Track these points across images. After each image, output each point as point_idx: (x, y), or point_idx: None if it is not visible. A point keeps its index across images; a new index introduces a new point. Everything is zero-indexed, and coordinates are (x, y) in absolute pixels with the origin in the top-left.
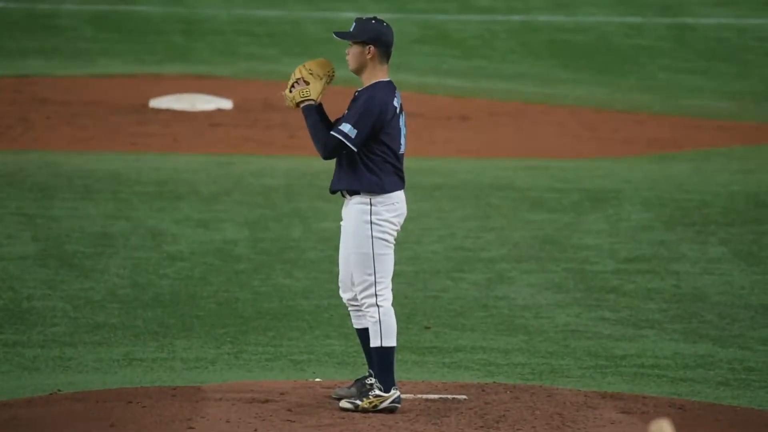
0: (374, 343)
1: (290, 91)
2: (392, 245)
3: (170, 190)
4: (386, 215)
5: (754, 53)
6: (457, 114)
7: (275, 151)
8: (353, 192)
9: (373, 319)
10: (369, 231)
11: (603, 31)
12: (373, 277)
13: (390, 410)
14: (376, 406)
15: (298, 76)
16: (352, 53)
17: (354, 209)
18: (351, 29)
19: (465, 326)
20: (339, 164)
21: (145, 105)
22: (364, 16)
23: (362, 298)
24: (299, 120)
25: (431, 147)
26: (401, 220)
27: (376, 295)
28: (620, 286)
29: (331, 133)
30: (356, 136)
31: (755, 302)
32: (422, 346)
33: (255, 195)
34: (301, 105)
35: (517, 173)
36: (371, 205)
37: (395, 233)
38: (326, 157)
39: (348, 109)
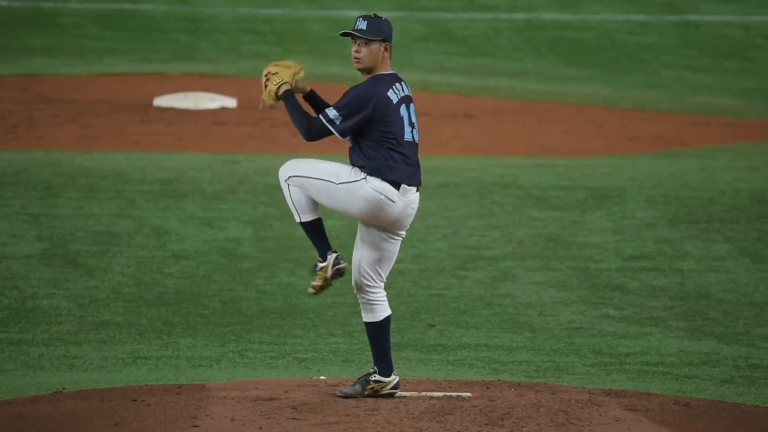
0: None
1: (265, 88)
2: (361, 206)
3: (174, 188)
4: (380, 187)
5: (760, 50)
6: (461, 112)
7: (279, 149)
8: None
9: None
10: (354, 182)
11: (608, 29)
12: (314, 176)
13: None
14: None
15: (265, 72)
16: (368, 51)
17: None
18: (363, 27)
19: (469, 324)
20: (350, 158)
21: (150, 104)
22: (370, 13)
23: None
24: None
25: (436, 145)
26: (393, 214)
27: (293, 177)
28: (625, 284)
29: (318, 116)
30: (341, 122)
31: (760, 299)
32: (427, 344)
33: (259, 193)
34: (280, 93)
35: (521, 171)
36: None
37: (376, 214)
38: (309, 139)
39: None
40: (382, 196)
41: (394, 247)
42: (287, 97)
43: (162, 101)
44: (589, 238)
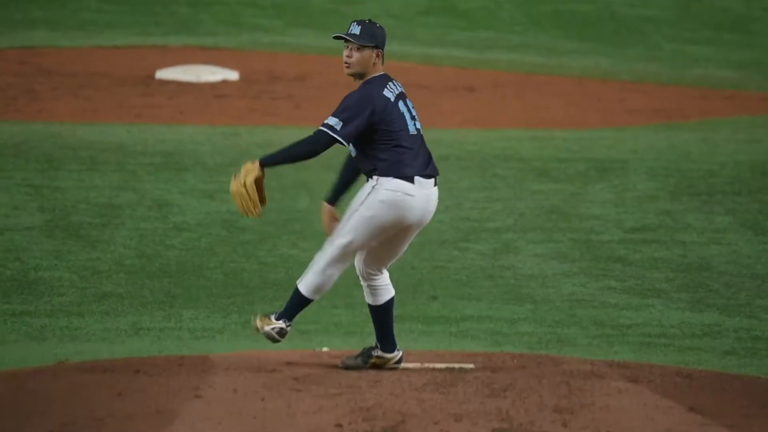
0: (299, 281)
1: (237, 177)
2: (370, 233)
3: (176, 161)
4: (393, 185)
5: (760, 23)
6: (462, 85)
7: (280, 122)
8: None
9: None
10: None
11: (608, 2)
12: (352, 226)
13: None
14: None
15: (233, 183)
16: (360, 57)
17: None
18: (357, 32)
19: (471, 296)
20: (361, 164)
21: (151, 76)
22: (365, 19)
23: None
24: (305, 90)
25: (437, 118)
26: (407, 217)
27: (347, 244)
28: (626, 256)
29: (318, 128)
30: (342, 127)
31: (761, 271)
32: (429, 316)
33: None
34: (259, 164)
35: (522, 144)
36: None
37: (385, 224)
38: (317, 154)
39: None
40: (399, 193)
41: (407, 244)
42: (268, 156)
43: (163, 74)
44: (590, 210)
